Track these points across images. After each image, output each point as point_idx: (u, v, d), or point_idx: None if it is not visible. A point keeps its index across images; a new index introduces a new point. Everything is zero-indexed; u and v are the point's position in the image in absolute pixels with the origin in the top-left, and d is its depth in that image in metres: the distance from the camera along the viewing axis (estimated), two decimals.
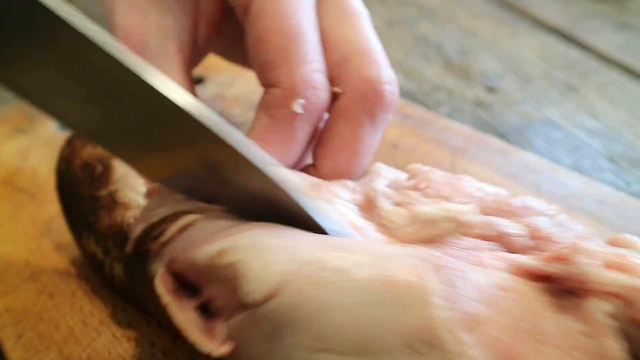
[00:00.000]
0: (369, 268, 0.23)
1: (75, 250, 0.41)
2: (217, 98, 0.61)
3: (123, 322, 0.35)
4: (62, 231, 0.42)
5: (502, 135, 0.60)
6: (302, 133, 0.31)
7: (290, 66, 0.30)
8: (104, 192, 0.35)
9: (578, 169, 0.53)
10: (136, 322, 0.35)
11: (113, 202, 0.34)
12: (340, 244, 0.25)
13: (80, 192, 0.36)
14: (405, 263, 0.23)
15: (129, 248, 0.31)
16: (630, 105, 0.64)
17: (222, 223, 0.28)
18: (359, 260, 0.24)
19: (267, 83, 0.31)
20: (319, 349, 0.23)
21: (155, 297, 0.28)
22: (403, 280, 0.23)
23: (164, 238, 0.29)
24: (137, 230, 0.30)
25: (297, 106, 0.30)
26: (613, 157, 0.55)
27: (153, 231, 0.30)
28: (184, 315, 0.26)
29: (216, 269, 0.26)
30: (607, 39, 0.80)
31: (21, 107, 0.59)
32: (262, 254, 0.25)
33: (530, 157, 0.51)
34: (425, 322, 0.22)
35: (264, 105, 0.31)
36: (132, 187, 0.35)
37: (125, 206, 0.34)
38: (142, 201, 0.33)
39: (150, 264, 0.30)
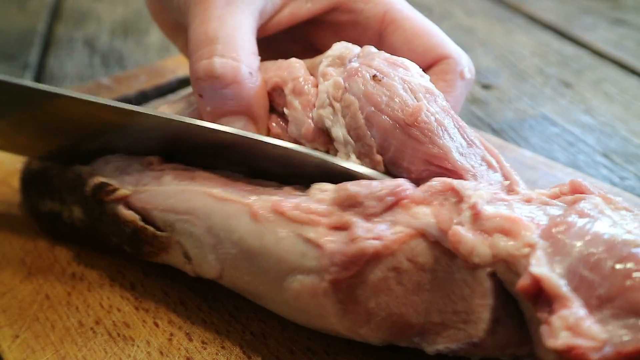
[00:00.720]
0: None
1: (71, 250, 0.41)
2: None
3: (119, 322, 0.35)
4: None
5: (497, 131, 0.60)
6: (466, 93, 0.41)
7: (452, 45, 0.41)
8: (52, 171, 0.40)
9: (573, 164, 0.54)
10: (132, 321, 0.35)
11: (61, 170, 0.40)
12: None
13: (33, 182, 0.42)
14: None
15: (87, 189, 0.37)
16: (625, 101, 0.65)
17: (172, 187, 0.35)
18: None
19: (438, 58, 0.40)
20: None
21: (117, 230, 0.36)
22: None
23: (115, 195, 0.36)
24: (93, 181, 0.37)
25: (467, 71, 0.40)
26: (608, 153, 0.56)
27: (106, 187, 0.36)
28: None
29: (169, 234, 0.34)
30: (601, 35, 0.80)
31: None
32: (201, 246, 0.33)
33: (525, 153, 0.51)
34: None
35: (440, 72, 0.40)
36: None
37: (71, 169, 0.39)
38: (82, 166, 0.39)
39: (109, 206, 0.36)
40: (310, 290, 0.29)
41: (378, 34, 0.42)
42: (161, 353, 0.33)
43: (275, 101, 0.37)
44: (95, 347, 0.34)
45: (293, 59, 0.38)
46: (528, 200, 0.28)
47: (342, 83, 0.34)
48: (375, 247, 0.28)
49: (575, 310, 0.23)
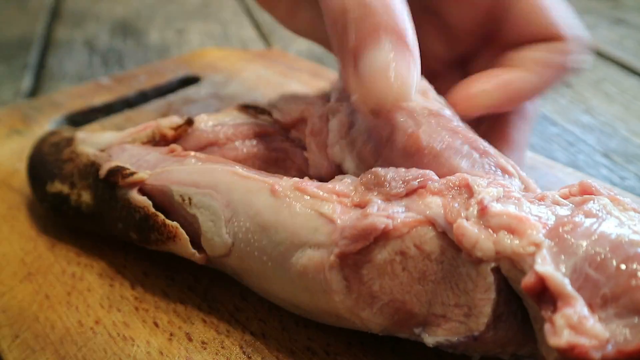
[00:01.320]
0: None
1: (71, 250, 0.41)
2: (213, 97, 0.61)
3: (119, 322, 0.35)
4: (58, 231, 0.42)
5: None
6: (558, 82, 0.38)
7: (570, 25, 0.37)
8: (66, 153, 0.41)
9: (573, 164, 0.54)
10: (132, 321, 0.35)
11: (75, 155, 0.40)
12: None
13: (46, 160, 0.41)
14: None
15: (102, 172, 0.37)
16: (625, 100, 0.65)
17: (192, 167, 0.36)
18: None
19: (551, 36, 0.37)
20: None
21: (126, 216, 0.36)
22: None
23: (131, 179, 0.36)
24: (108, 164, 0.37)
25: (573, 61, 0.37)
26: (608, 153, 0.56)
27: (122, 170, 0.36)
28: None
29: (182, 210, 0.34)
30: (601, 35, 0.80)
31: (17, 109, 0.59)
32: (216, 219, 0.33)
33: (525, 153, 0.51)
34: None
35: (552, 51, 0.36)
36: (90, 145, 0.41)
37: (86, 155, 0.39)
38: (98, 153, 0.39)
39: (121, 191, 0.36)
40: (317, 264, 0.29)
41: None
42: (161, 353, 0.33)
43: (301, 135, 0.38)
44: (95, 347, 0.34)
45: (315, 95, 0.39)
46: (539, 199, 0.29)
47: (347, 119, 0.35)
48: (385, 224, 0.28)
49: (578, 309, 0.23)
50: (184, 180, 0.35)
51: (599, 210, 0.27)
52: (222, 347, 0.33)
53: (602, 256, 0.24)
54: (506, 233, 0.26)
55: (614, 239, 0.25)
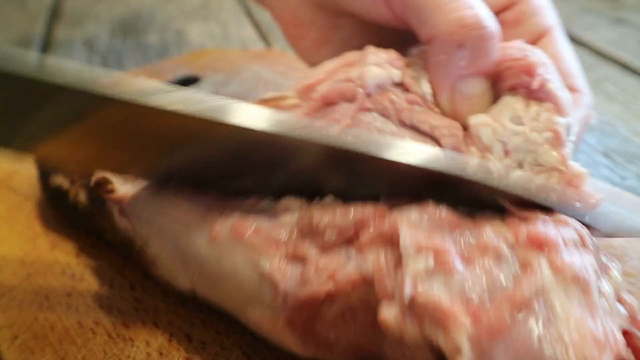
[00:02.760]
0: None
1: (71, 251, 0.41)
2: None
3: (118, 322, 0.35)
4: (58, 232, 0.42)
5: None
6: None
7: (586, 83, 0.39)
8: None
9: None
10: (132, 322, 0.35)
11: None
12: None
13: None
14: None
15: (91, 182, 0.36)
16: (625, 100, 0.65)
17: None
18: None
19: (570, 88, 0.36)
20: None
21: (112, 229, 0.36)
22: None
23: (113, 195, 0.35)
24: (99, 173, 0.36)
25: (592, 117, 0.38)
26: (608, 153, 0.56)
27: (106, 184, 0.35)
28: None
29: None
30: (601, 35, 0.80)
31: None
32: (171, 265, 0.33)
33: None
34: None
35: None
36: None
37: None
38: None
39: (108, 204, 0.36)
40: (269, 321, 0.29)
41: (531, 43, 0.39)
42: (160, 354, 0.33)
43: None
44: (95, 347, 0.34)
45: None
46: (482, 250, 0.27)
47: None
48: (327, 290, 0.27)
49: None
50: (141, 215, 0.33)
51: (537, 304, 0.24)
52: (222, 348, 0.33)
53: None
54: (431, 324, 0.25)
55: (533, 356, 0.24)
